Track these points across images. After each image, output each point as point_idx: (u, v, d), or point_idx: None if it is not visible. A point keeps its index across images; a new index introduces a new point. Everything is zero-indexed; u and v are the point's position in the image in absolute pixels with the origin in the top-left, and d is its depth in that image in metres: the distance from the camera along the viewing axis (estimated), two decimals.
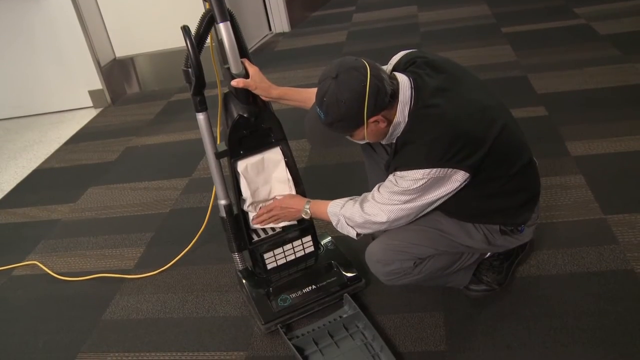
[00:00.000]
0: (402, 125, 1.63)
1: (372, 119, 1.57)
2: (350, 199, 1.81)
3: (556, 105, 3.17)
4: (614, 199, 2.31)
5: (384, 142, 1.74)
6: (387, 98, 1.56)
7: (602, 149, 2.67)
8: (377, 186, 1.73)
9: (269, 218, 1.99)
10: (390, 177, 1.66)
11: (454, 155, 1.55)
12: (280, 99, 1.91)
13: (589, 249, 2.07)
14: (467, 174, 1.59)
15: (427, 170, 1.56)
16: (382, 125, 1.61)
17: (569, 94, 3.28)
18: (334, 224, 1.84)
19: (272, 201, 2.01)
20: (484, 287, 1.93)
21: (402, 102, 1.61)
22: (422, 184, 1.58)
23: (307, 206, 1.92)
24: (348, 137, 1.70)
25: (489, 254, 1.95)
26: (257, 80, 1.81)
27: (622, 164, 2.53)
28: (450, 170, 1.57)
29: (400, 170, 1.61)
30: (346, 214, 1.78)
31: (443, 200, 1.65)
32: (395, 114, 1.62)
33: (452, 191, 1.63)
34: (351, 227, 1.78)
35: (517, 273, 2.02)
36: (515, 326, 1.81)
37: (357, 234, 1.80)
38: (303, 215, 1.95)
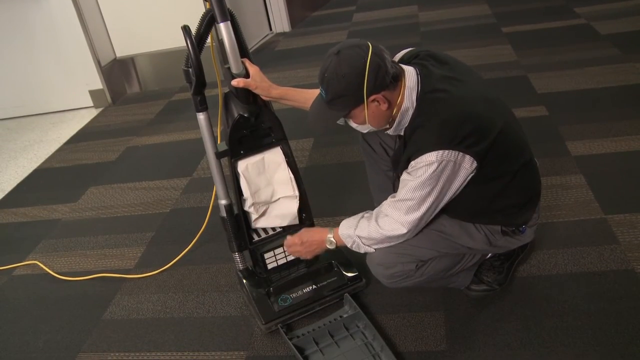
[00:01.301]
0: (411, 112, 1.63)
1: (371, 98, 1.56)
2: (362, 218, 1.77)
3: (556, 104, 3.17)
4: (615, 198, 2.31)
5: (391, 132, 1.73)
6: (388, 78, 1.55)
7: (602, 148, 2.67)
8: (389, 198, 1.70)
9: (291, 253, 1.98)
10: (404, 174, 1.64)
11: (463, 139, 1.54)
12: (280, 99, 1.90)
13: (590, 249, 2.07)
14: (475, 163, 1.58)
15: (440, 152, 1.54)
16: (383, 107, 1.60)
17: (569, 94, 3.28)
18: (348, 245, 1.80)
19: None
20: (485, 287, 1.93)
21: (409, 88, 1.61)
22: (436, 169, 1.55)
23: (331, 235, 1.84)
24: (350, 123, 1.70)
25: (489, 254, 1.95)
26: (257, 80, 1.81)
27: (623, 163, 2.53)
28: (460, 155, 1.55)
29: (414, 157, 1.58)
30: (362, 234, 1.74)
31: (452, 196, 1.64)
32: (401, 99, 1.61)
33: (460, 184, 1.61)
34: (368, 246, 1.76)
35: (518, 273, 2.02)
36: (516, 326, 1.81)
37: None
38: (328, 246, 1.86)
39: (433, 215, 1.69)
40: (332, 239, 1.84)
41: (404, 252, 1.73)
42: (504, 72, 3.72)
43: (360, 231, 1.75)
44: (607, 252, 2.04)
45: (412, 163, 1.60)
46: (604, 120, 2.92)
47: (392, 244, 1.73)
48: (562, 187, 2.44)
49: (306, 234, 1.92)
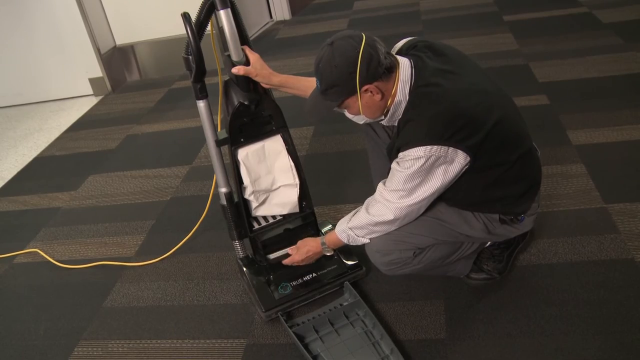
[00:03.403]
0: (403, 105, 1.63)
1: (364, 88, 1.57)
2: (355, 212, 1.81)
3: (558, 93, 3.16)
4: (615, 188, 2.31)
5: (385, 123, 1.74)
6: (380, 68, 1.56)
7: (603, 137, 2.66)
8: (381, 182, 1.72)
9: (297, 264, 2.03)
10: (394, 164, 1.65)
11: (454, 134, 1.54)
12: (281, 87, 1.90)
13: (590, 238, 2.07)
14: (468, 157, 1.58)
15: (428, 148, 1.55)
16: (377, 97, 1.60)
17: (570, 83, 3.27)
18: (345, 242, 1.85)
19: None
20: (484, 276, 1.93)
21: (402, 81, 1.61)
22: (423, 164, 1.56)
23: (325, 245, 1.94)
24: (346, 114, 1.71)
25: (489, 243, 1.95)
26: (257, 68, 1.81)
27: (624, 152, 2.53)
28: (450, 149, 1.55)
29: (403, 150, 1.59)
30: (354, 225, 1.78)
31: (446, 187, 1.65)
32: (394, 92, 1.62)
33: (454, 177, 1.62)
34: (361, 237, 1.78)
35: (517, 262, 2.02)
36: (515, 314, 1.82)
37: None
38: (326, 253, 1.98)
39: (428, 204, 1.69)
40: (325, 245, 1.93)
41: (401, 240, 1.74)
42: (505, 61, 3.70)
43: (352, 223, 1.79)
44: (607, 241, 2.04)
45: (401, 155, 1.61)
46: (605, 109, 2.91)
47: (384, 231, 1.74)
48: (563, 176, 2.44)
49: (303, 248, 1.99)
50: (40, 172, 3.48)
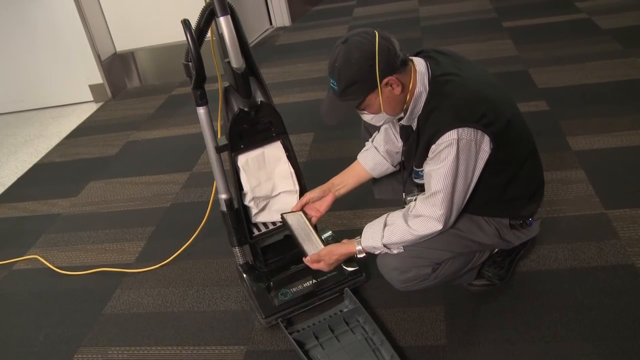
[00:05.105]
0: (424, 96, 1.63)
1: (385, 81, 1.56)
2: (386, 225, 1.72)
3: (557, 99, 3.16)
4: (615, 193, 2.31)
5: (404, 121, 1.72)
6: (398, 60, 1.56)
7: (603, 143, 2.67)
8: (419, 197, 1.69)
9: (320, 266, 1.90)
10: (426, 167, 1.63)
11: (480, 118, 1.54)
12: (342, 188, 2.04)
13: (590, 244, 2.07)
14: (491, 145, 1.57)
15: (460, 130, 1.53)
16: (397, 90, 1.59)
17: (570, 89, 3.28)
18: (375, 253, 1.78)
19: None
20: (485, 282, 1.93)
21: (420, 73, 1.62)
22: (458, 147, 1.53)
23: (360, 247, 1.78)
24: (364, 116, 1.69)
25: (495, 251, 1.95)
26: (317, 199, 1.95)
27: (623, 158, 2.53)
28: (479, 133, 1.54)
29: (434, 140, 1.57)
30: (392, 241, 1.70)
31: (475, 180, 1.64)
32: (413, 84, 1.62)
33: (481, 168, 1.61)
34: (395, 250, 1.73)
35: (518, 268, 2.02)
36: (515, 320, 1.82)
37: None
38: (358, 256, 1.82)
39: (464, 202, 1.67)
40: (360, 248, 1.79)
41: (420, 256, 1.71)
42: (505, 67, 3.71)
43: (388, 239, 1.71)
44: (607, 247, 2.04)
45: (433, 147, 1.59)
46: (605, 115, 2.91)
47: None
48: (563, 182, 2.44)
49: (337, 250, 1.84)
50: (40, 178, 3.48)
